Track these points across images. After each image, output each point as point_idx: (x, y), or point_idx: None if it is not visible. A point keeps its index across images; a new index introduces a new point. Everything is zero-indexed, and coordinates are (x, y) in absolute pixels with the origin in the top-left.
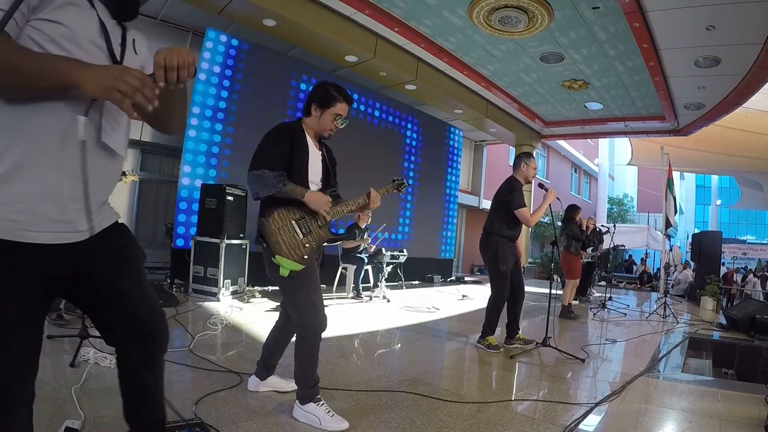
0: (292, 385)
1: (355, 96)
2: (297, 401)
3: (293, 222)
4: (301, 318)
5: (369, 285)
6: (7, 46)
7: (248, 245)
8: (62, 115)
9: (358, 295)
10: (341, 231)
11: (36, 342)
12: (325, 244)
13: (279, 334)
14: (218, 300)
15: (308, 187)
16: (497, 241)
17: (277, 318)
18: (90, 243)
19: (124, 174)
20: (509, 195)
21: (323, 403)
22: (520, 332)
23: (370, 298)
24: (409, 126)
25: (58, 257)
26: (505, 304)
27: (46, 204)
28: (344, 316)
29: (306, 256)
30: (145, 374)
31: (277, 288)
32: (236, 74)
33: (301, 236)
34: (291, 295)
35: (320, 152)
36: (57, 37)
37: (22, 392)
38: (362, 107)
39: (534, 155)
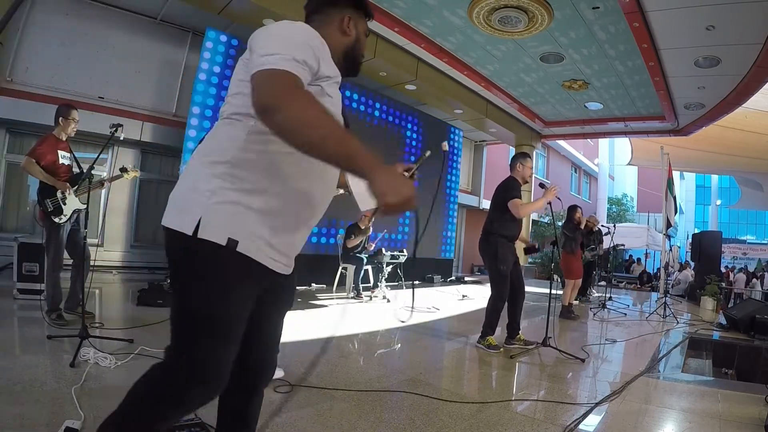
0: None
1: (355, 96)
2: None
3: None
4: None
5: (368, 285)
6: (330, 119)
7: None
8: (329, 185)
9: (358, 295)
10: (341, 231)
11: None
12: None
13: None
14: None
15: None
16: (497, 241)
17: None
18: (283, 277)
19: (125, 170)
20: (505, 193)
21: None
22: (521, 333)
23: (371, 298)
24: (410, 126)
25: (271, 279)
26: (505, 304)
27: (291, 247)
28: (344, 316)
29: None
30: (255, 402)
31: None
32: None
33: None
34: None
35: None
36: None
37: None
38: (362, 107)
39: (530, 155)
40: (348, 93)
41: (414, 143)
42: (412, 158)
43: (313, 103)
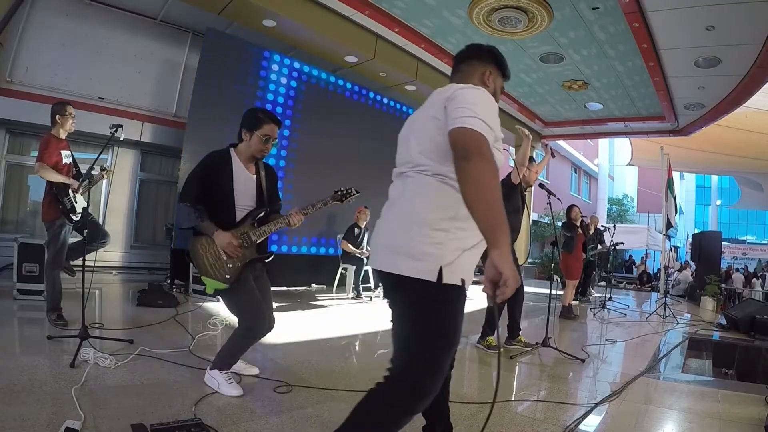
0: (254, 369)
1: (355, 97)
2: (209, 367)
3: (214, 246)
4: (240, 319)
5: (369, 285)
6: (498, 191)
7: None
8: None
9: (358, 296)
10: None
11: None
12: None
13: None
14: (218, 300)
15: (235, 214)
16: None
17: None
18: None
19: (104, 169)
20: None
21: (227, 373)
22: (521, 334)
23: (371, 299)
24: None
25: None
26: (505, 305)
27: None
28: (344, 316)
29: (228, 275)
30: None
31: (277, 288)
32: (236, 74)
33: (224, 257)
34: (230, 306)
35: (254, 176)
36: None
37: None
38: (362, 108)
39: (534, 158)
40: (349, 85)
41: None
42: None
43: (496, 170)
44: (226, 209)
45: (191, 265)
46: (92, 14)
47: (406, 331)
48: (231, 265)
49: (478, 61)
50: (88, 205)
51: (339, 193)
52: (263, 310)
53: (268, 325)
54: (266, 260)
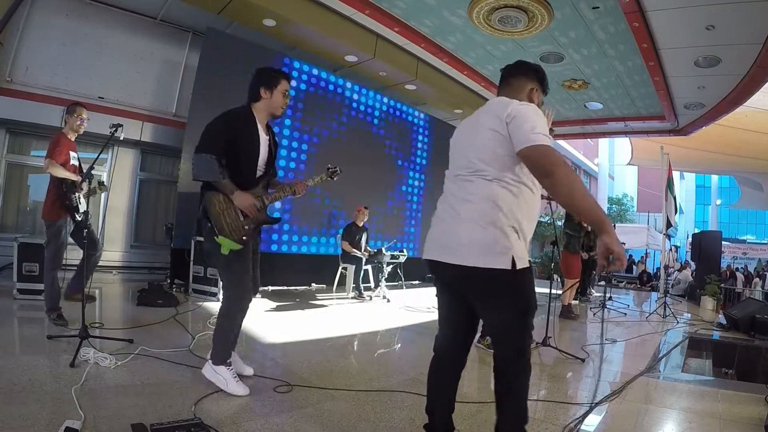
0: (249, 370)
1: (355, 97)
2: (210, 360)
3: (234, 206)
4: (228, 289)
5: (369, 285)
6: (581, 182)
7: None
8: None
9: (359, 295)
10: (340, 231)
11: None
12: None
13: None
14: (218, 300)
15: (256, 174)
16: None
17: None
18: None
19: (101, 184)
20: None
21: (233, 368)
22: None
23: (371, 298)
24: (410, 126)
25: None
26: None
27: None
28: (344, 316)
29: (245, 237)
30: None
31: (277, 288)
32: (236, 75)
33: (242, 219)
34: (223, 270)
35: (267, 137)
36: None
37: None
38: (362, 108)
39: None
40: (349, 84)
41: (414, 143)
42: (413, 158)
43: (571, 170)
44: (250, 170)
45: (191, 263)
46: (92, 14)
47: (503, 315)
48: (247, 227)
49: (526, 78)
50: (88, 210)
51: (330, 170)
52: (250, 286)
53: (250, 299)
54: (275, 224)
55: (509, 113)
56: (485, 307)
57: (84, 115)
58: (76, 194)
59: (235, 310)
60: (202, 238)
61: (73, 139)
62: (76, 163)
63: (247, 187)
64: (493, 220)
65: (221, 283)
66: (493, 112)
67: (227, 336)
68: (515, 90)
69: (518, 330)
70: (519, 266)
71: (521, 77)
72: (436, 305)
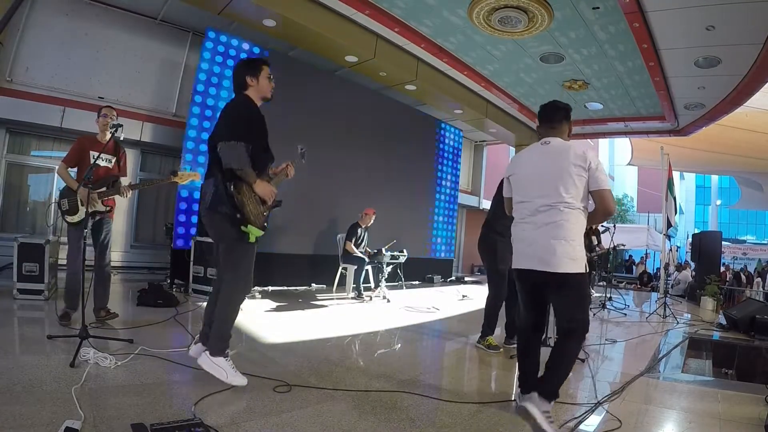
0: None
1: (355, 96)
2: (207, 352)
3: (255, 195)
4: (236, 280)
5: (368, 285)
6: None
7: None
8: None
9: (359, 296)
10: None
11: None
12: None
13: (215, 302)
14: None
15: (269, 163)
16: (495, 240)
17: (213, 290)
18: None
19: (142, 182)
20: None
21: (230, 360)
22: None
23: (371, 299)
24: (410, 126)
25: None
26: (504, 304)
27: None
28: (344, 316)
29: (266, 223)
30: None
31: (278, 288)
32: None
33: (261, 207)
34: (237, 261)
35: None
36: None
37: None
38: (362, 107)
39: None
40: (350, 92)
41: (414, 143)
42: (412, 158)
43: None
44: (266, 158)
45: (191, 264)
46: (92, 14)
47: (577, 301)
48: (266, 213)
49: (566, 121)
50: (87, 217)
51: (302, 150)
52: (252, 272)
53: (250, 288)
54: (278, 206)
55: (590, 162)
56: (565, 297)
57: (110, 113)
58: (69, 198)
59: (239, 300)
60: (212, 233)
61: (104, 140)
62: (106, 164)
63: (261, 174)
64: (574, 237)
65: (227, 273)
66: (573, 159)
67: (229, 327)
68: (561, 132)
69: (585, 311)
70: (583, 270)
71: (563, 121)
72: (520, 296)
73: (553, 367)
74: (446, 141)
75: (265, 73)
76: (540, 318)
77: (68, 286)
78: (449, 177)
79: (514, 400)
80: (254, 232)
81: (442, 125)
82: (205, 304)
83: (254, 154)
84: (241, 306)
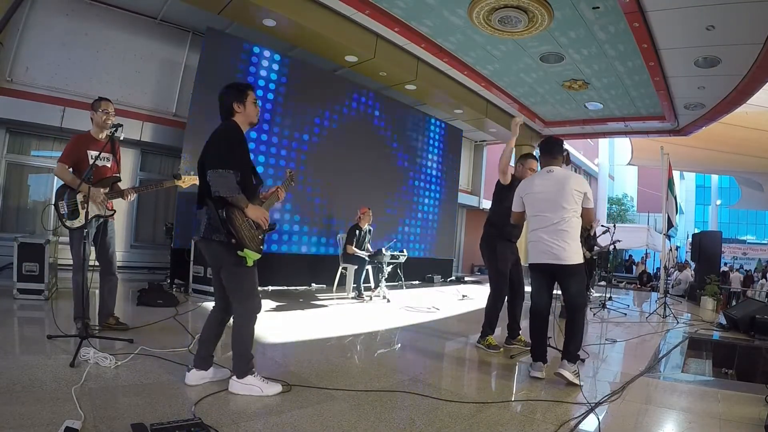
0: (225, 372)
1: (355, 96)
2: (234, 377)
3: (248, 219)
4: (245, 302)
5: (369, 285)
6: None
7: None
8: None
9: (359, 296)
10: (341, 231)
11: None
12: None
13: (216, 325)
14: None
15: (258, 187)
16: (496, 239)
17: (211, 312)
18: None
19: (169, 179)
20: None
21: (257, 374)
22: (521, 334)
23: (371, 298)
24: (410, 126)
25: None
26: (507, 304)
27: None
28: (344, 316)
29: (261, 246)
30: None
31: (277, 288)
32: (236, 74)
33: (255, 230)
34: (240, 283)
35: None
36: None
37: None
38: (362, 107)
39: (534, 157)
40: (347, 93)
41: (414, 143)
42: (412, 158)
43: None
44: (252, 182)
45: (191, 263)
46: (92, 14)
47: (580, 283)
48: (261, 237)
49: (560, 154)
50: (87, 222)
51: (291, 173)
52: (258, 291)
53: (261, 305)
54: (273, 231)
55: (586, 189)
56: (570, 281)
57: (110, 108)
58: (68, 200)
59: (252, 321)
60: (210, 261)
61: (100, 136)
62: (105, 163)
63: (251, 198)
64: (576, 238)
65: (234, 299)
66: (576, 185)
67: (248, 347)
68: (559, 161)
69: (584, 290)
70: (583, 261)
71: (558, 154)
72: (534, 285)
73: (571, 336)
74: (447, 141)
75: (251, 98)
76: (549, 300)
77: (78, 297)
78: (450, 177)
79: (529, 370)
80: (251, 256)
81: (432, 121)
82: (205, 304)
83: (243, 180)
84: (255, 323)
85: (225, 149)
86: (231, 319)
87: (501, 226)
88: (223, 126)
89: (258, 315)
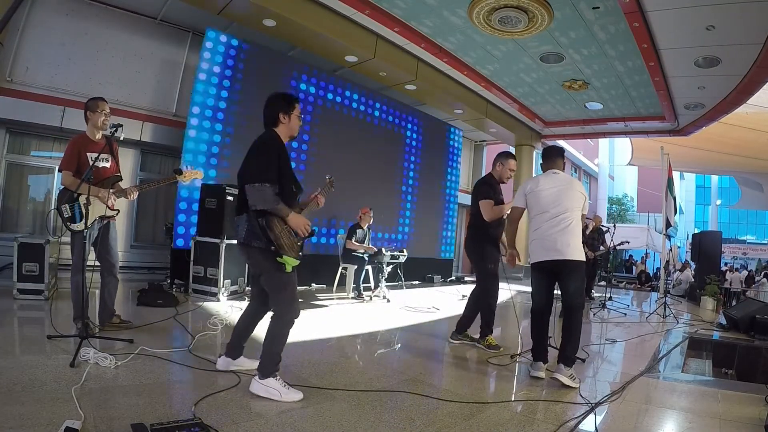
0: (253, 365)
1: (355, 96)
2: (257, 376)
3: (286, 226)
4: (285, 308)
5: (368, 285)
6: None
7: None
8: None
9: (359, 296)
10: (341, 231)
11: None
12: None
13: (250, 320)
14: (218, 300)
15: (298, 195)
16: (481, 240)
17: (247, 307)
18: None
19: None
20: (477, 193)
21: (280, 378)
22: (468, 331)
23: (371, 298)
24: (409, 126)
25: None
26: (489, 300)
27: None
28: (344, 316)
29: (301, 253)
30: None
31: None
32: (236, 74)
33: (294, 237)
34: (281, 289)
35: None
36: None
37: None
38: (362, 107)
39: (514, 156)
40: (348, 93)
41: (414, 143)
42: (412, 158)
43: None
44: (293, 192)
45: (191, 264)
46: (92, 14)
47: (581, 281)
48: (300, 243)
49: (562, 158)
50: (88, 223)
51: (330, 179)
52: (297, 296)
53: (299, 310)
54: (312, 236)
55: (586, 194)
56: (570, 278)
57: (107, 109)
58: (70, 203)
59: (289, 326)
60: (250, 264)
61: (97, 137)
62: (104, 164)
63: (291, 206)
64: (578, 235)
65: (273, 301)
66: (580, 188)
67: (279, 349)
68: (560, 166)
69: (583, 290)
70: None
71: (560, 160)
72: (535, 284)
73: (568, 338)
74: (447, 141)
75: (296, 111)
76: (550, 300)
77: (76, 298)
78: (450, 177)
79: (530, 370)
80: (290, 262)
81: (432, 121)
82: (205, 304)
83: (282, 189)
84: (293, 325)
85: (263, 162)
86: (268, 318)
87: (486, 227)
88: (263, 137)
89: (293, 320)
